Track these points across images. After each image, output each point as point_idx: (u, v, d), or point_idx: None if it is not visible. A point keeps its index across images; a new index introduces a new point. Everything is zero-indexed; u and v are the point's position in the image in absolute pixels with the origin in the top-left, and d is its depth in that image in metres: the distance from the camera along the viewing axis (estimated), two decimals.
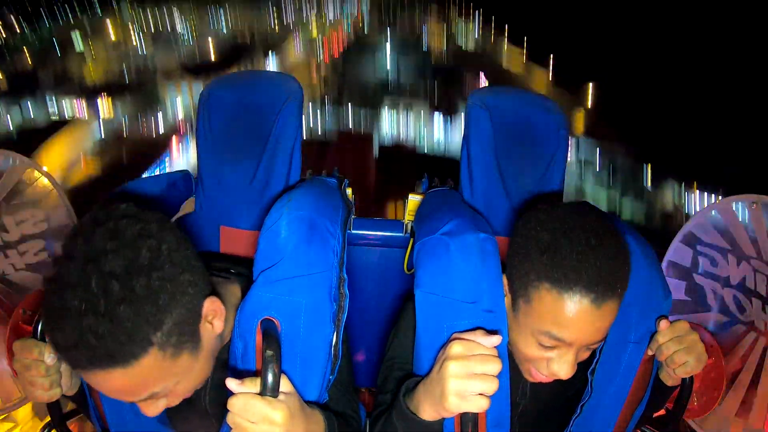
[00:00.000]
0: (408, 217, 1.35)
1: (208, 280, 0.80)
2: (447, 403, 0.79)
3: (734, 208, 1.38)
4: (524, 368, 0.95)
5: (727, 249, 1.38)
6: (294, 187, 1.08)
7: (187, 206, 1.28)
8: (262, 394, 0.72)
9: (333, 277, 0.91)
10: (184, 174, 1.28)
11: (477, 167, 1.20)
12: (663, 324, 0.96)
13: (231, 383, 0.72)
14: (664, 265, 1.49)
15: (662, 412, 1.15)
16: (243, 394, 0.71)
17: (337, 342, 0.91)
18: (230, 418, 0.72)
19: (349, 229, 1.34)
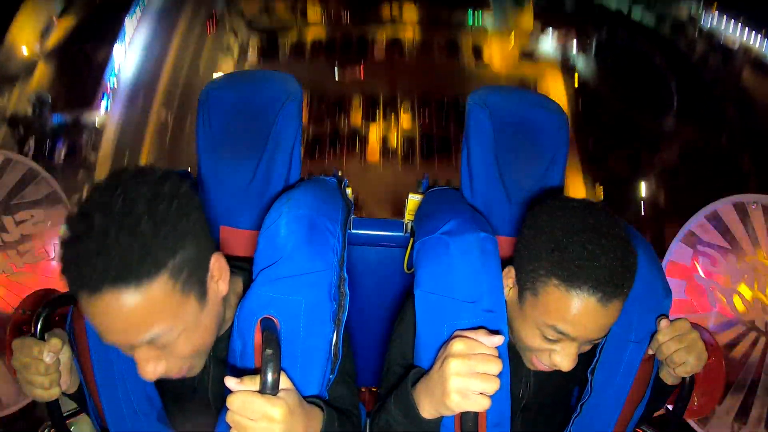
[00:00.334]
0: (408, 217, 1.34)
1: (212, 241, 0.82)
2: (448, 401, 0.79)
3: (734, 208, 1.38)
4: (526, 357, 0.96)
5: (727, 249, 1.39)
6: (294, 186, 1.08)
7: None
8: (261, 392, 0.71)
9: (333, 276, 0.91)
10: (183, 173, 1.28)
11: (477, 167, 1.20)
12: (663, 323, 0.96)
13: (230, 382, 0.72)
14: (664, 265, 1.49)
15: (662, 411, 1.15)
16: (242, 392, 0.71)
17: (337, 341, 0.90)
18: (229, 417, 0.71)
19: (349, 229, 1.33)
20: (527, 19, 16.98)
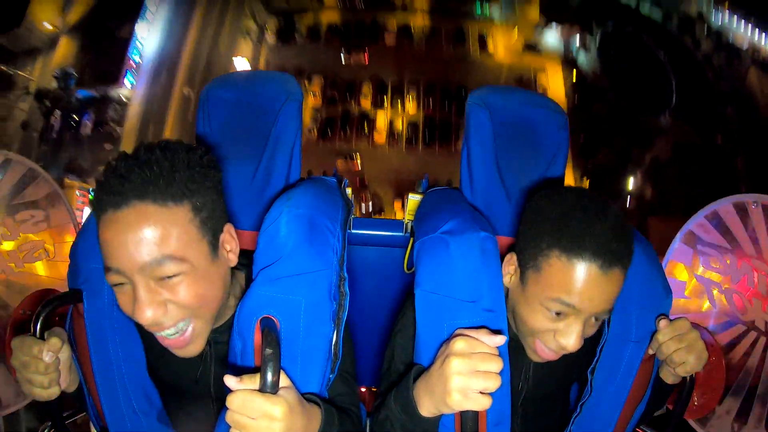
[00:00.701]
0: (408, 217, 1.34)
1: (227, 213, 0.88)
2: (449, 400, 0.79)
3: (734, 208, 1.38)
4: (530, 345, 0.95)
5: (727, 249, 1.38)
6: (294, 186, 1.08)
7: None
8: (261, 391, 0.71)
9: (333, 275, 0.91)
10: None
11: (477, 167, 1.20)
12: (663, 323, 0.96)
13: (229, 381, 0.72)
14: (664, 264, 1.49)
15: (662, 411, 1.15)
16: (242, 391, 0.71)
17: (337, 341, 0.90)
18: (229, 416, 0.71)
19: (349, 229, 1.33)
20: (533, 11, 17.21)
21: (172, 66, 15.46)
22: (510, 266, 0.96)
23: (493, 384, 0.78)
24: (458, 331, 0.86)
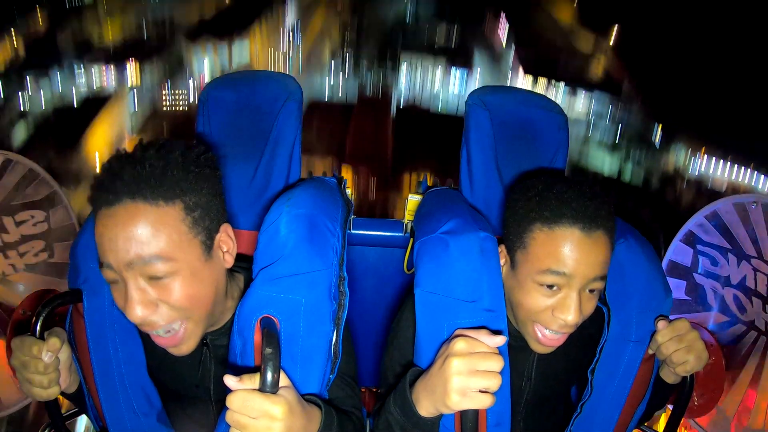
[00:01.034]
0: (408, 217, 1.34)
1: (225, 213, 0.89)
2: (449, 400, 0.79)
3: (734, 208, 1.38)
4: (531, 334, 0.95)
5: (727, 249, 1.38)
6: (293, 186, 1.08)
7: None
8: (261, 390, 0.71)
9: (333, 275, 0.91)
10: None
11: (477, 167, 1.20)
12: (662, 323, 0.96)
13: (229, 380, 0.72)
14: (664, 264, 1.49)
15: (662, 411, 1.15)
16: (242, 391, 0.71)
17: (337, 341, 0.90)
18: (229, 416, 0.71)
19: (349, 229, 1.33)
20: None
21: None
22: (501, 259, 0.98)
23: (494, 383, 0.78)
24: (458, 332, 0.86)
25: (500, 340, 0.82)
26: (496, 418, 0.92)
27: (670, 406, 1.11)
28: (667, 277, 1.09)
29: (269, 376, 0.71)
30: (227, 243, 0.87)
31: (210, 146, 0.89)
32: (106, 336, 0.93)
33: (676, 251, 1.49)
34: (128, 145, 0.86)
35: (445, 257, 0.94)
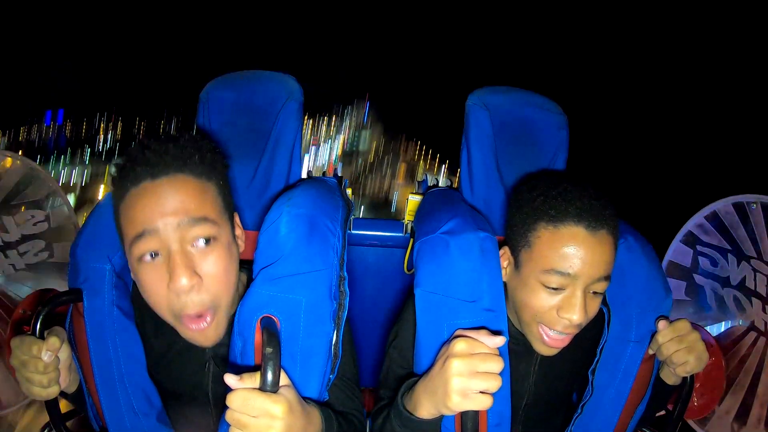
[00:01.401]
0: (408, 217, 1.34)
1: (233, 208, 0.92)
2: (449, 401, 0.78)
3: (734, 208, 1.38)
4: (536, 335, 0.95)
5: (727, 249, 1.39)
6: (294, 186, 1.08)
7: None
8: (261, 390, 0.71)
9: (333, 275, 0.91)
10: None
11: (477, 167, 1.20)
12: (662, 324, 0.96)
13: (230, 379, 0.72)
14: (664, 265, 1.49)
15: (662, 412, 1.15)
16: (242, 390, 0.71)
17: (337, 341, 0.90)
18: (229, 415, 0.71)
19: (349, 229, 1.33)
20: None
21: None
22: (504, 260, 0.98)
23: (494, 384, 0.78)
24: (458, 332, 0.86)
25: (500, 340, 0.82)
26: (497, 418, 0.92)
27: (669, 407, 1.11)
28: (667, 278, 1.09)
29: (270, 375, 0.71)
30: (239, 230, 0.92)
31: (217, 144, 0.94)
32: (106, 336, 0.93)
33: (676, 252, 1.49)
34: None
35: (445, 257, 0.94)
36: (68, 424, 1.06)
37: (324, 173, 1.31)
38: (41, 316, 0.88)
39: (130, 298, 0.96)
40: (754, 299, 1.33)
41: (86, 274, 0.94)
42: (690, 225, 1.46)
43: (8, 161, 1.52)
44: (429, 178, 1.43)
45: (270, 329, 0.77)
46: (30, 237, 1.56)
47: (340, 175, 1.31)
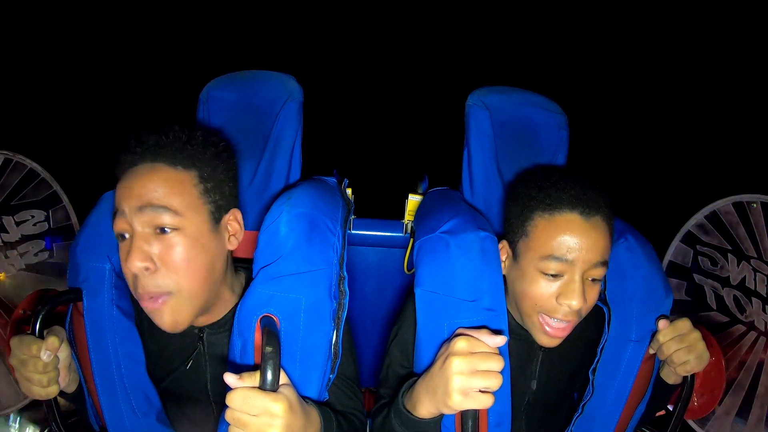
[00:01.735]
0: (408, 217, 1.34)
1: (238, 201, 0.95)
2: (450, 400, 0.78)
3: (734, 208, 1.38)
4: (537, 326, 0.95)
5: (727, 249, 1.39)
6: (294, 186, 1.08)
7: None
8: (261, 389, 0.71)
9: (333, 274, 0.91)
10: None
11: (477, 167, 1.20)
12: (663, 323, 0.96)
13: (229, 378, 0.72)
14: (664, 264, 1.49)
15: (662, 412, 1.15)
16: (242, 388, 0.71)
17: (336, 340, 0.90)
18: (229, 414, 0.71)
19: (349, 229, 1.33)
20: None
21: None
22: (503, 254, 0.99)
23: (495, 383, 0.78)
24: (459, 331, 0.86)
25: (501, 340, 0.82)
26: (497, 418, 0.92)
27: (669, 407, 1.11)
28: (668, 277, 1.09)
29: (269, 374, 0.71)
30: (234, 227, 0.92)
31: (229, 141, 0.97)
32: (106, 335, 0.93)
33: (676, 251, 1.49)
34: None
35: (445, 256, 0.94)
36: (68, 423, 1.07)
37: None
38: (41, 316, 0.88)
39: (130, 297, 0.96)
40: (754, 299, 1.33)
41: (86, 274, 0.94)
42: (690, 225, 1.46)
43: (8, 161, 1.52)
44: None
45: (270, 328, 0.77)
46: (30, 237, 1.56)
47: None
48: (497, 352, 0.81)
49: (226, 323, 0.96)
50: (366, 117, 3.96)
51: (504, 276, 0.99)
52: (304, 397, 0.84)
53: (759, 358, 1.29)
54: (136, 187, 0.82)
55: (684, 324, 0.96)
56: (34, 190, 1.56)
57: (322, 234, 0.92)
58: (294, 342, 0.86)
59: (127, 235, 0.83)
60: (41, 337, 0.87)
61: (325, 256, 0.91)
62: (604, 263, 0.91)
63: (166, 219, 0.81)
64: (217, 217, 0.88)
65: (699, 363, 0.96)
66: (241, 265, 1.03)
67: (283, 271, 0.88)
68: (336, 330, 0.90)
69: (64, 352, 0.90)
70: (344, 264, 0.95)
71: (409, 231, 1.35)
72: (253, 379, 0.72)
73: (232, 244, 0.92)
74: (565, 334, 0.94)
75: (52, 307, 0.90)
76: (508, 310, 1.03)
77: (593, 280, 0.92)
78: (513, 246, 0.97)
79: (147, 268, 0.81)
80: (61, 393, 0.95)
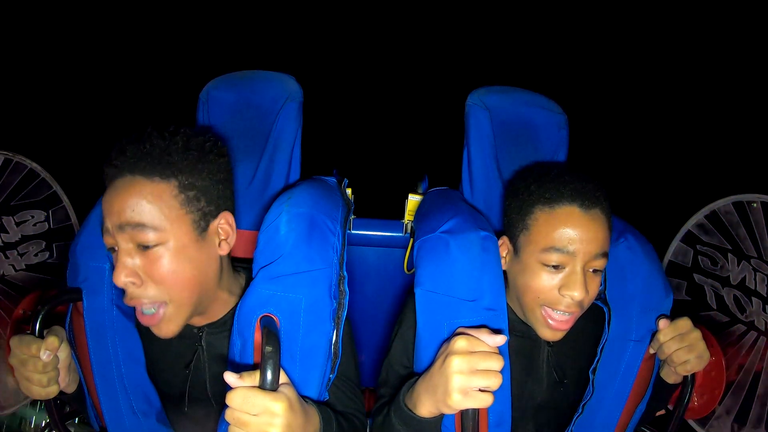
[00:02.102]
0: (408, 217, 1.34)
1: (231, 202, 0.93)
2: (450, 399, 0.78)
3: (734, 208, 1.38)
4: (540, 319, 0.96)
5: (727, 248, 1.39)
6: (293, 185, 1.09)
7: None
8: (261, 388, 0.71)
9: (333, 274, 0.91)
10: None
11: (477, 167, 1.20)
12: (663, 322, 0.96)
13: (229, 377, 0.72)
14: (664, 264, 1.49)
15: (662, 412, 1.15)
16: (242, 388, 0.71)
17: (336, 340, 0.90)
18: (229, 414, 0.71)
19: (349, 229, 1.33)
20: None
21: None
22: (503, 250, 1.00)
23: (495, 382, 0.78)
24: (459, 330, 0.86)
25: (500, 339, 0.82)
26: (497, 417, 0.92)
27: (670, 407, 1.11)
28: (668, 277, 1.09)
29: (269, 374, 0.71)
30: (226, 230, 0.90)
31: (221, 137, 0.94)
32: (106, 335, 0.93)
33: (676, 251, 1.49)
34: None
35: (445, 256, 0.94)
36: (68, 423, 1.06)
37: None
38: (41, 316, 0.88)
39: None
40: (754, 299, 1.33)
41: (86, 274, 0.94)
42: (690, 224, 1.46)
43: (8, 161, 1.52)
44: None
45: (270, 328, 0.77)
46: (30, 237, 1.56)
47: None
48: (497, 351, 0.81)
49: (226, 323, 0.96)
50: (366, 117, 3.96)
51: (505, 272, 1.00)
52: (303, 397, 0.84)
53: (759, 358, 1.29)
54: (115, 205, 0.81)
55: (684, 323, 0.96)
56: (34, 190, 1.56)
57: (322, 234, 0.92)
58: (294, 342, 0.86)
59: (115, 248, 0.83)
60: (41, 336, 0.87)
61: (325, 255, 0.91)
62: (605, 254, 0.92)
63: (147, 236, 0.80)
64: (203, 225, 0.86)
65: (699, 362, 0.96)
66: (241, 265, 1.03)
67: (283, 270, 0.88)
68: (336, 330, 0.90)
69: (63, 352, 0.91)
70: (344, 264, 0.95)
71: (409, 231, 1.36)
72: (253, 378, 0.72)
73: (224, 250, 0.90)
74: (567, 326, 0.94)
75: (52, 307, 0.90)
76: (509, 306, 1.03)
77: (594, 271, 0.93)
78: (514, 240, 0.98)
79: (133, 282, 0.82)
80: (62, 393, 0.95)
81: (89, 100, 3.56)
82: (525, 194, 0.96)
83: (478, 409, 0.80)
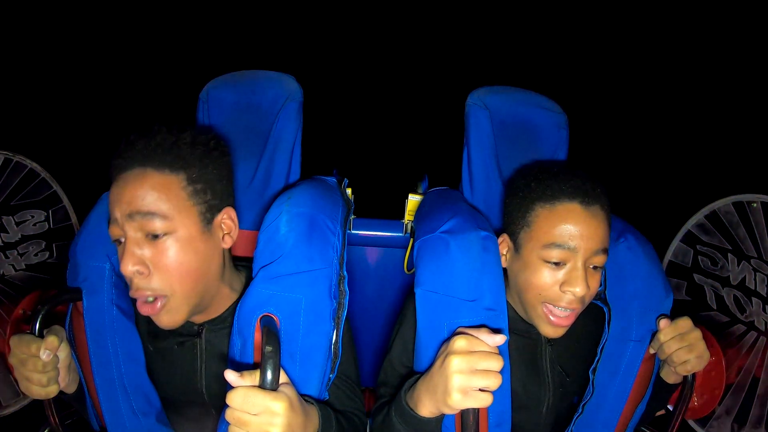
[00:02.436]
0: (408, 217, 1.34)
1: (233, 199, 0.95)
2: (450, 399, 0.78)
3: (734, 208, 1.38)
4: (542, 316, 0.96)
5: (727, 248, 1.39)
6: (294, 185, 1.08)
7: None
8: (261, 388, 0.71)
9: (333, 274, 0.91)
10: None
11: (477, 167, 1.20)
12: (664, 322, 0.96)
13: (230, 375, 0.72)
14: (664, 264, 1.49)
15: (662, 412, 1.15)
16: (243, 387, 0.71)
17: (336, 340, 0.90)
18: (229, 414, 0.71)
19: (349, 229, 1.33)
20: None
21: None
22: (504, 247, 1.00)
23: (494, 382, 0.78)
24: (458, 330, 0.86)
25: (500, 339, 0.82)
26: (497, 418, 0.92)
27: (670, 407, 1.11)
28: (668, 277, 1.09)
29: (269, 374, 0.71)
30: (229, 225, 0.92)
31: (222, 137, 0.96)
32: (106, 335, 0.93)
33: (676, 251, 1.49)
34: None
35: (445, 256, 0.94)
36: (68, 423, 1.06)
37: None
38: (41, 315, 0.88)
39: (130, 297, 0.96)
40: (754, 299, 1.33)
41: (86, 274, 0.94)
42: (690, 224, 1.46)
43: (8, 161, 1.52)
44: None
45: (270, 328, 0.77)
46: (30, 237, 1.56)
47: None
48: (497, 351, 0.81)
49: (226, 320, 0.96)
50: (366, 117, 3.96)
51: (505, 270, 1.00)
52: (303, 396, 0.84)
53: (759, 358, 1.29)
54: (125, 194, 0.82)
55: (684, 323, 0.96)
56: (34, 190, 1.56)
57: (322, 233, 0.92)
58: (294, 341, 0.86)
59: (122, 240, 0.84)
60: (41, 336, 0.87)
61: (325, 255, 0.91)
62: (605, 251, 0.93)
63: (156, 225, 0.82)
64: (208, 217, 0.88)
65: (699, 362, 0.96)
66: (242, 264, 1.03)
67: (283, 270, 0.88)
68: (336, 330, 0.90)
69: (63, 352, 0.90)
70: (344, 264, 0.95)
71: (409, 231, 1.36)
72: (254, 377, 0.72)
73: (227, 243, 0.92)
74: (569, 323, 0.94)
75: (52, 307, 0.89)
76: (510, 305, 1.03)
77: (594, 267, 0.93)
78: (514, 238, 0.98)
79: (140, 272, 0.82)
80: (62, 393, 0.94)
81: (89, 100, 3.56)
82: (525, 191, 0.97)
83: (478, 409, 0.80)
